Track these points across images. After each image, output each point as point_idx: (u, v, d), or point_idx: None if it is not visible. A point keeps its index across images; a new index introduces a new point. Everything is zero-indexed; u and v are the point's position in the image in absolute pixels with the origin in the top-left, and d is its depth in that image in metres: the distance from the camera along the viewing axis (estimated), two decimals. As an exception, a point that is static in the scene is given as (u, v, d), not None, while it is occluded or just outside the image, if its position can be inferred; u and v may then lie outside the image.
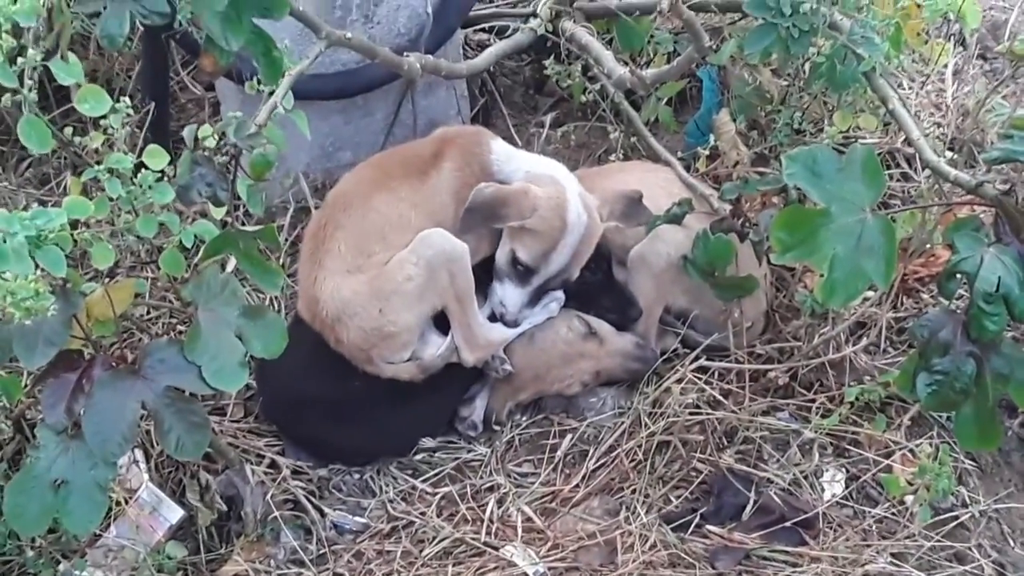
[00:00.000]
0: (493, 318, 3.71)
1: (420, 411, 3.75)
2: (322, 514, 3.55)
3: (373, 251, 3.58)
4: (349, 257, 3.59)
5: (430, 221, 3.59)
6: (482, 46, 4.72)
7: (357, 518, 3.57)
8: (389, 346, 3.58)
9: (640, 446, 3.62)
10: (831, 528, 3.40)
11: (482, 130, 3.93)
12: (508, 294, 3.64)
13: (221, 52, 2.80)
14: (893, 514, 3.43)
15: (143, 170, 2.88)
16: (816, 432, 3.58)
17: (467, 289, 3.59)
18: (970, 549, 3.33)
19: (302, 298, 3.72)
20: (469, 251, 3.56)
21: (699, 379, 3.70)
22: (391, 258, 3.55)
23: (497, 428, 3.82)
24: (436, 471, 3.71)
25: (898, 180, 4.28)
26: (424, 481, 3.68)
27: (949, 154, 3.91)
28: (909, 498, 3.39)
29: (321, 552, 3.46)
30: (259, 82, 3.08)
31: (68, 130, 2.95)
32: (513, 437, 3.81)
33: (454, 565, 3.38)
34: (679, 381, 3.70)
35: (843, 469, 3.55)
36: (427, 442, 3.79)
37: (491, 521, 3.52)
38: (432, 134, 3.90)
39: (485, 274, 3.69)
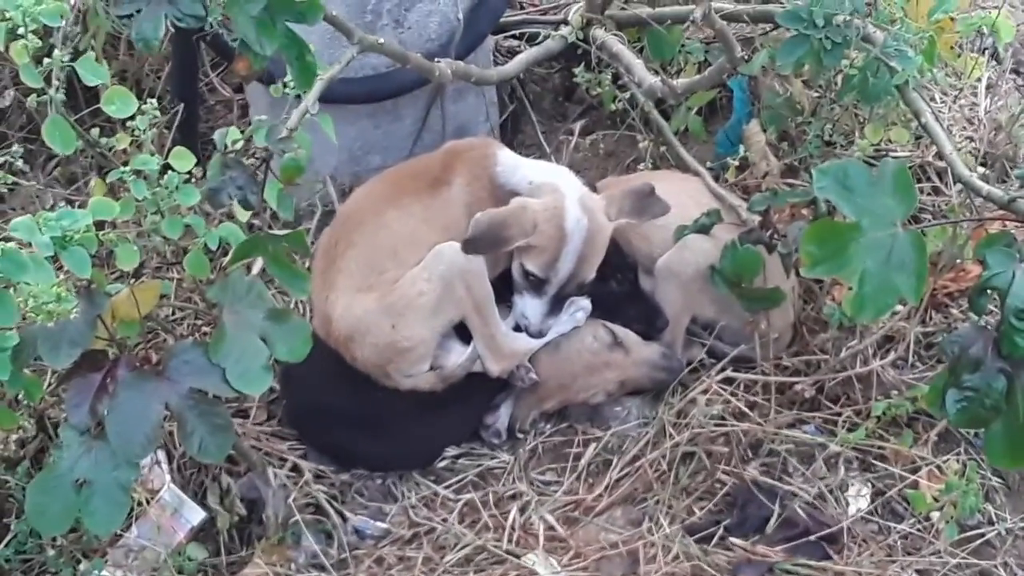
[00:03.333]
0: (519, 328, 3.69)
1: (445, 421, 3.74)
2: (344, 519, 3.54)
3: (385, 268, 3.57)
4: (360, 275, 3.59)
5: (443, 236, 3.57)
6: (512, 53, 4.71)
7: (379, 523, 3.56)
8: (405, 360, 3.57)
9: (664, 456, 3.60)
10: (856, 543, 3.38)
11: (490, 141, 3.93)
12: (528, 305, 3.63)
13: (255, 56, 2.79)
14: (919, 530, 3.41)
15: (169, 171, 2.88)
16: (842, 446, 3.56)
17: (485, 300, 3.58)
18: (996, 567, 3.31)
19: (316, 317, 3.71)
20: (487, 265, 3.56)
21: (725, 390, 3.69)
22: (403, 275, 3.55)
23: (521, 436, 3.81)
24: (459, 478, 3.70)
25: (929, 194, 4.26)
26: (446, 488, 3.67)
27: (981, 169, 3.89)
28: (935, 514, 3.38)
29: (342, 557, 3.45)
30: (285, 85, 3.07)
31: (95, 131, 2.95)
32: (537, 445, 3.80)
33: (475, 572, 3.37)
34: (704, 392, 3.68)
35: (869, 484, 3.53)
36: (450, 449, 3.77)
37: (513, 529, 3.51)
38: (441, 148, 3.89)
39: (506, 287, 3.68)
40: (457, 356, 3.64)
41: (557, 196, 3.53)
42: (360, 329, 3.54)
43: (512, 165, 3.68)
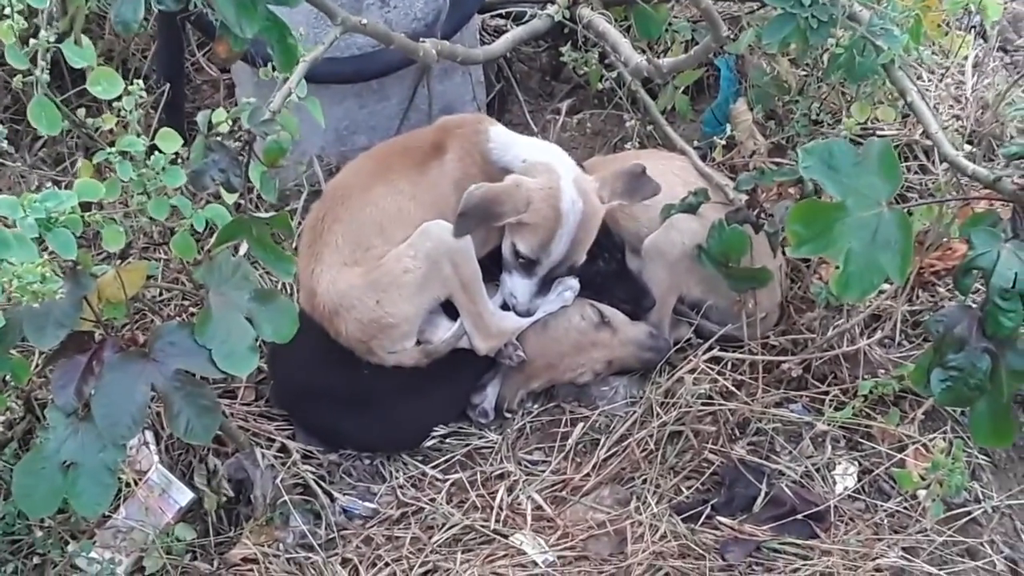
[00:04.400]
0: (507, 307, 3.69)
1: (433, 401, 3.75)
2: (332, 499, 3.55)
3: (371, 244, 3.57)
4: (347, 250, 3.58)
5: (431, 213, 3.56)
6: (499, 32, 4.70)
7: (367, 503, 3.57)
8: (389, 337, 3.57)
9: (652, 436, 3.61)
10: (842, 521, 3.40)
11: (482, 117, 3.90)
12: (516, 285, 3.62)
13: (235, 38, 2.79)
14: (905, 508, 3.42)
15: (156, 153, 2.88)
16: (829, 425, 3.57)
17: (472, 278, 3.57)
18: (982, 545, 3.32)
19: (302, 290, 3.71)
20: (476, 243, 3.55)
21: (712, 369, 3.69)
22: (389, 252, 3.54)
23: (508, 416, 3.82)
24: (446, 457, 3.71)
25: (916, 173, 4.26)
26: (434, 467, 3.68)
27: (968, 148, 3.88)
28: (922, 492, 3.39)
29: (330, 537, 3.47)
30: (274, 68, 3.07)
31: (81, 111, 2.95)
32: (524, 425, 3.81)
33: (463, 552, 3.38)
34: (692, 371, 3.69)
35: (856, 462, 3.54)
36: (438, 429, 3.78)
37: (501, 509, 3.52)
38: (433, 124, 3.88)
39: (495, 265, 3.68)
40: (444, 332, 3.64)
41: (552, 176, 3.50)
42: (344, 304, 3.54)
43: (505, 142, 3.66)
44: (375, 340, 3.57)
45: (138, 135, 2.89)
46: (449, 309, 3.66)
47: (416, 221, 3.55)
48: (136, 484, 3.36)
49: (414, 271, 3.50)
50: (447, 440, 3.78)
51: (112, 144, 2.85)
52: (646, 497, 3.48)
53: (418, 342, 3.63)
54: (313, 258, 3.61)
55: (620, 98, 4.46)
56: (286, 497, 3.45)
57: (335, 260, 3.57)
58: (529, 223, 3.48)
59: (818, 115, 4.21)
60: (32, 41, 2.64)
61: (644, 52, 4.15)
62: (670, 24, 4.38)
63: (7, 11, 2.57)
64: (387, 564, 3.38)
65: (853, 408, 3.56)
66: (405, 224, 3.56)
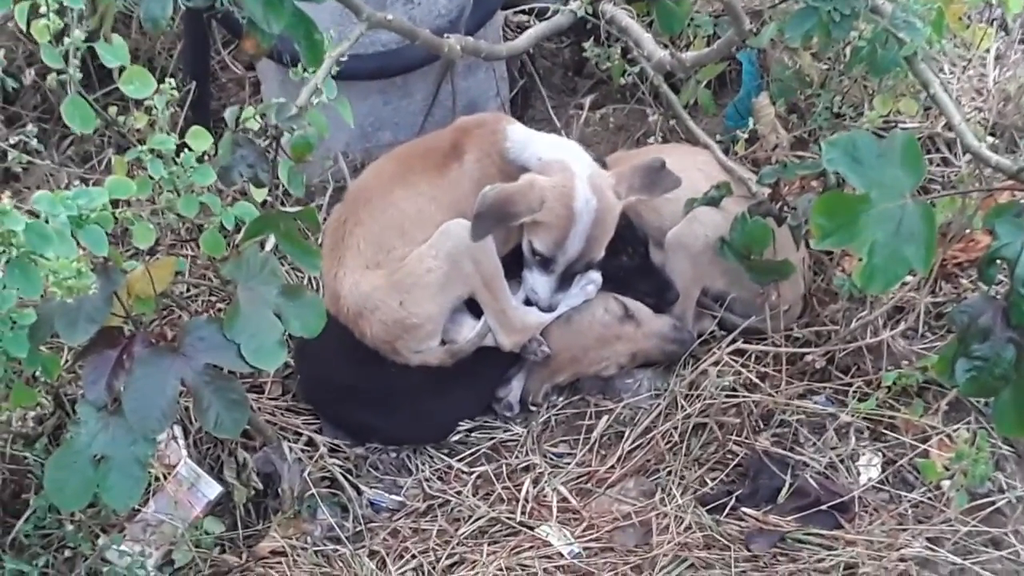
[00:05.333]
0: (530, 303, 3.70)
1: (458, 396, 3.77)
2: (359, 492, 3.58)
3: (393, 246, 3.59)
4: (369, 252, 3.61)
5: (451, 213, 3.58)
6: (522, 28, 4.72)
7: (393, 496, 3.60)
8: (413, 337, 3.60)
9: (676, 428, 3.63)
10: (867, 512, 3.41)
11: (500, 116, 3.91)
12: (537, 281, 3.63)
13: (263, 35, 2.80)
14: (929, 499, 3.43)
15: (185, 151, 2.90)
16: (853, 416, 3.58)
17: (494, 275, 3.59)
18: (1007, 535, 3.33)
19: (327, 293, 3.72)
20: (498, 241, 3.57)
21: (736, 362, 3.71)
22: (411, 253, 3.56)
23: (533, 409, 3.84)
24: (472, 450, 3.74)
25: (938, 165, 4.26)
26: (460, 460, 3.70)
27: (990, 139, 3.89)
28: (946, 483, 3.40)
29: (357, 529, 3.49)
30: (304, 69, 3.08)
31: (112, 110, 2.97)
32: (549, 418, 3.83)
33: (489, 544, 3.40)
34: (716, 363, 3.71)
35: (879, 453, 3.55)
36: (463, 422, 3.81)
37: (526, 501, 3.54)
38: (452, 124, 3.88)
39: (516, 262, 3.68)
40: (468, 330, 3.66)
41: (567, 175, 3.50)
42: (368, 306, 3.57)
43: (522, 140, 3.65)
44: (400, 340, 3.59)
45: (167, 133, 2.91)
46: (473, 307, 3.68)
47: (437, 222, 3.57)
48: (165, 478, 3.39)
49: (436, 271, 3.52)
50: (472, 433, 3.80)
51: (141, 142, 2.87)
52: (671, 489, 3.49)
53: (443, 341, 3.65)
54: (336, 261, 3.64)
55: (643, 93, 4.47)
56: (314, 490, 3.48)
57: (358, 263, 3.60)
58: (543, 222, 3.49)
59: (840, 108, 4.21)
60: (65, 40, 2.66)
61: (667, 47, 4.14)
62: (692, 19, 4.37)
63: (42, 10, 2.60)
64: (414, 556, 3.40)
65: (877, 399, 3.57)
66: (426, 225, 3.59)
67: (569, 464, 3.66)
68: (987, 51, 4.72)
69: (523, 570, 3.31)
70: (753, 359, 3.75)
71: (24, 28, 2.60)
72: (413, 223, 3.60)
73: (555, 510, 3.51)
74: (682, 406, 3.66)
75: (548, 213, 3.47)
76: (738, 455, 3.57)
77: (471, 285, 3.59)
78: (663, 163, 3.59)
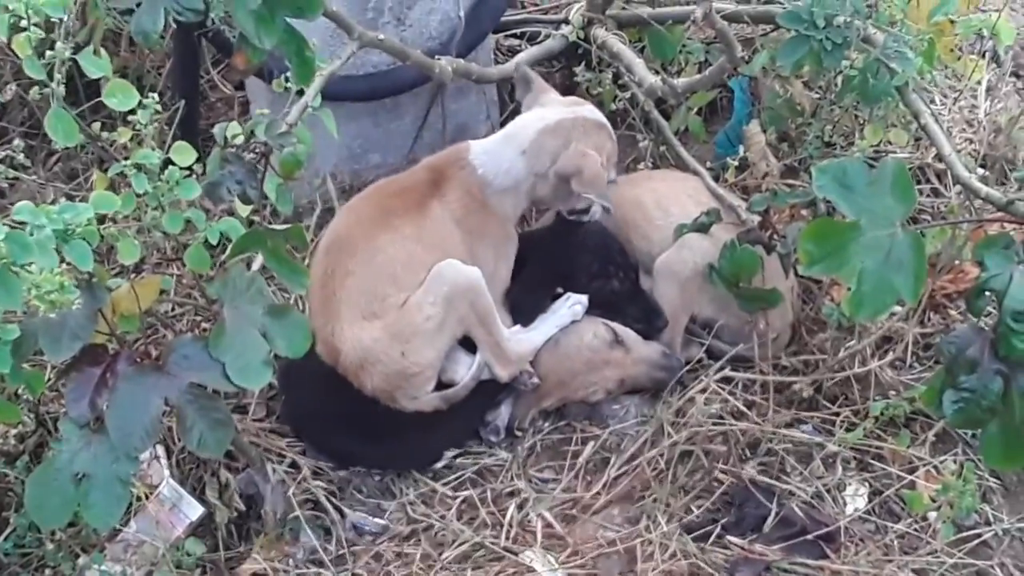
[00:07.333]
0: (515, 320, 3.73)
1: (445, 425, 3.72)
2: (342, 515, 3.55)
3: (387, 294, 3.56)
4: (363, 303, 3.57)
5: (438, 253, 3.58)
6: (513, 52, 4.73)
7: (377, 520, 3.57)
8: (412, 385, 3.57)
9: (662, 455, 3.61)
10: (853, 542, 3.39)
11: (459, 147, 3.85)
12: None
13: (253, 50, 2.80)
14: (916, 530, 3.42)
15: (170, 166, 2.89)
16: (840, 446, 3.57)
17: (487, 312, 3.59)
18: (992, 568, 3.32)
19: (322, 345, 3.60)
20: (485, 274, 3.58)
21: (723, 389, 3.70)
22: (406, 299, 3.55)
23: (519, 434, 3.81)
24: (457, 475, 3.71)
25: (928, 196, 4.27)
26: (445, 484, 3.68)
27: (980, 171, 3.88)
28: (932, 514, 3.39)
29: (340, 553, 3.46)
30: (287, 80, 3.08)
31: (96, 125, 2.96)
32: (535, 443, 3.81)
33: (473, 569, 3.38)
34: (703, 391, 3.69)
35: (866, 483, 3.54)
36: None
37: (511, 526, 3.52)
38: (419, 163, 3.89)
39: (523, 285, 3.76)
40: (463, 367, 3.65)
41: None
42: (370, 359, 3.53)
43: (486, 155, 3.72)
44: (399, 390, 3.57)
45: (152, 149, 2.90)
46: (465, 341, 3.67)
47: (427, 264, 3.56)
48: (147, 498, 3.37)
49: (434, 317, 3.51)
50: (458, 458, 3.77)
51: (127, 158, 2.86)
52: (656, 516, 3.47)
53: (439, 383, 3.64)
54: (331, 316, 3.59)
55: (633, 118, 4.47)
56: (297, 512, 3.46)
57: (353, 315, 3.57)
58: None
59: (831, 137, 4.23)
60: (48, 53, 2.65)
61: (658, 73, 4.16)
62: (684, 45, 4.39)
63: (24, 23, 2.59)
64: (397, 580, 3.38)
65: (864, 429, 3.56)
66: (416, 269, 3.57)
67: (554, 490, 3.64)
68: (978, 82, 4.74)
69: (506, 596, 3.30)
70: (740, 387, 3.75)
71: (6, 40, 2.59)
72: (404, 268, 3.58)
73: (540, 536, 3.48)
74: (669, 433, 3.64)
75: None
76: (724, 483, 3.55)
77: (466, 324, 3.58)
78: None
